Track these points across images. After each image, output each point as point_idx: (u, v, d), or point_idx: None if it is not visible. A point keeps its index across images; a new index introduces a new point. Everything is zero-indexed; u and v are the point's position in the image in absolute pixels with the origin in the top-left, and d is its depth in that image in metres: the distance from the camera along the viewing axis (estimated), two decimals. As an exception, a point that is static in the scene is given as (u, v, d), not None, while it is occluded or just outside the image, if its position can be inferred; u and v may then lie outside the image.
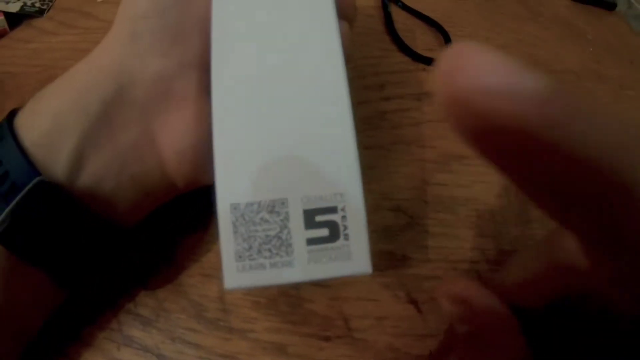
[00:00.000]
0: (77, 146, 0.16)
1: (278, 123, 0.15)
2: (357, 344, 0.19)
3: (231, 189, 0.14)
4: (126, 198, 0.17)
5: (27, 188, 0.14)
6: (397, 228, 0.22)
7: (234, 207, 0.14)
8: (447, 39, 0.29)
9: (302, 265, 0.14)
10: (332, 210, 0.14)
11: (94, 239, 0.16)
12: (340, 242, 0.14)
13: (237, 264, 0.14)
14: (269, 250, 0.14)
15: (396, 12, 0.32)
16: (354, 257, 0.14)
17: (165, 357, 0.19)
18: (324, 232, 0.14)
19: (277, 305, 0.20)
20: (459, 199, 0.23)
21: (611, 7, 0.36)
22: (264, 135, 0.15)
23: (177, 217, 0.21)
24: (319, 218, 0.14)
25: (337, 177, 0.14)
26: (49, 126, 0.16)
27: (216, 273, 0.21)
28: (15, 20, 0.30)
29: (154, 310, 0.20)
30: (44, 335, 0.18)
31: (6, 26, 0.29)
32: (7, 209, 0.14)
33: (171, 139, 0.17)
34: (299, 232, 0.14)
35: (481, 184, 0.24)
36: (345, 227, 0.14)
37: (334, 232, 0.14)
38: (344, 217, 0.14)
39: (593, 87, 0.30)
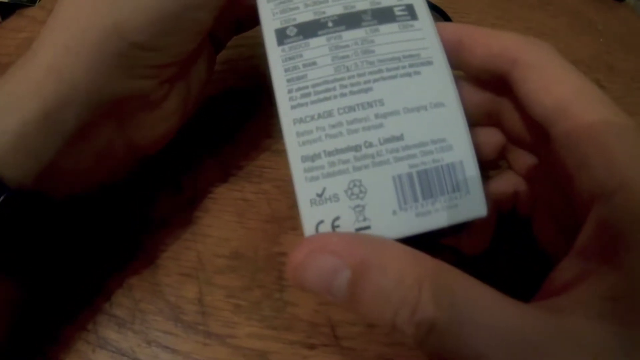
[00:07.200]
0: (48, 164, 0.14)
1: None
2: (345, 353, 0.17)
3: None
4: (88, 176, 0.16)
5: None
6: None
7: None
8: (449, 26, 0.26)
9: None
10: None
11: (58, 226, 0.15)
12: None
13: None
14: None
15: None
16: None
17: (140, 361, 0.17)
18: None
19: (260, 309, 0.17)
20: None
21: (621, -3, 0.33)
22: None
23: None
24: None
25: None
26: (14, 146, 0.13)
27: (195, 273, 0.18)
28: (7, 10, 0.28)
29: (130, 311, 0.18)
30: (16, 333, 0.16)
31: (-2, 16, 0.27)
32: None
33: (143, 133, 0.17)
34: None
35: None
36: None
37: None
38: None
39: (604, 79, 0.27)
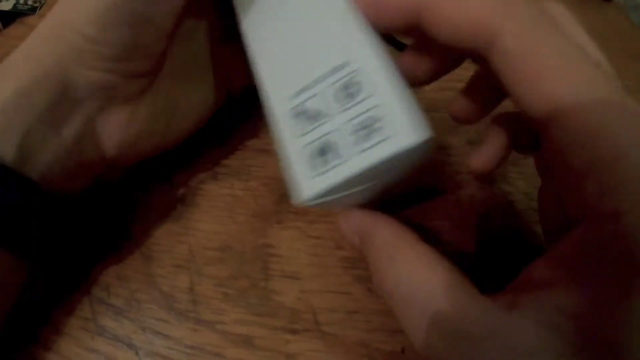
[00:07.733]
0: (23, 140, 0.15)
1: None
2: (326, 338, 0.18)
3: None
4: (64, 172, 0.17)
5: None
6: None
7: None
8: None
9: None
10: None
11: (47, 212, 0.16)
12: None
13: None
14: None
15: None
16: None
17: (136, 346, 0.18)
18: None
19: (247, 297, 0.19)
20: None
21: (609, -3, 0.33)
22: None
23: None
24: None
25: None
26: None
27: (187, 264, 0.20)
28: (8, 18, 0.29)
29: (127, 301, 0.19)
30: (19, 322, 0.18)
31: (-1, 24, 0.29)
32: None
33: (112, 131, 0.18)
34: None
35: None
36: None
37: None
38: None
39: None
